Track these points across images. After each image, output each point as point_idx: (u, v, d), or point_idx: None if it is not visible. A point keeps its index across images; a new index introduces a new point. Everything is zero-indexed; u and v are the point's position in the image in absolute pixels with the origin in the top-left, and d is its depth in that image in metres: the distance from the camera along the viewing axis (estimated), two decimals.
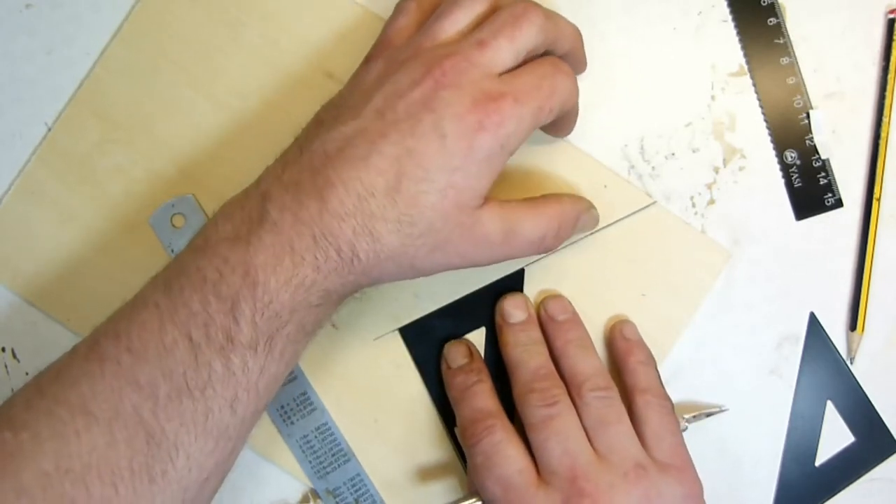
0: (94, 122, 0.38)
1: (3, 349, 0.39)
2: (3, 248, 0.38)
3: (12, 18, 0.39)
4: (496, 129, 0.31)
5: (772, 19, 0.39)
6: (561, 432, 0.34)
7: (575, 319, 0.37)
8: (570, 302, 0.38)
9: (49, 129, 0.38)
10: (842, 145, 0.39)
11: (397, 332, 0.38)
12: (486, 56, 0.31)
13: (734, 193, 0.39)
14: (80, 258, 0.38)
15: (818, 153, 0.39)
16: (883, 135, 0.38)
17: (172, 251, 0.38)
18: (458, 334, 0.38)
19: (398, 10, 0.35)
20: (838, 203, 0.39)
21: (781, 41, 0.39)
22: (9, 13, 0.39)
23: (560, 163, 0.38)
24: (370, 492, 0.38)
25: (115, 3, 0.39)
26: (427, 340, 0.38)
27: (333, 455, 0.38)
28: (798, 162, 0.39)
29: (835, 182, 0.39)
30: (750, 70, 0.39)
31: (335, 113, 0.32)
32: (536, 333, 0.37)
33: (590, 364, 0.36)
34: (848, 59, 0.39)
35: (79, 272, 0.38)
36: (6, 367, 0.39)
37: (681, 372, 0.39)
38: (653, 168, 0.39)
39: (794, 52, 0.39)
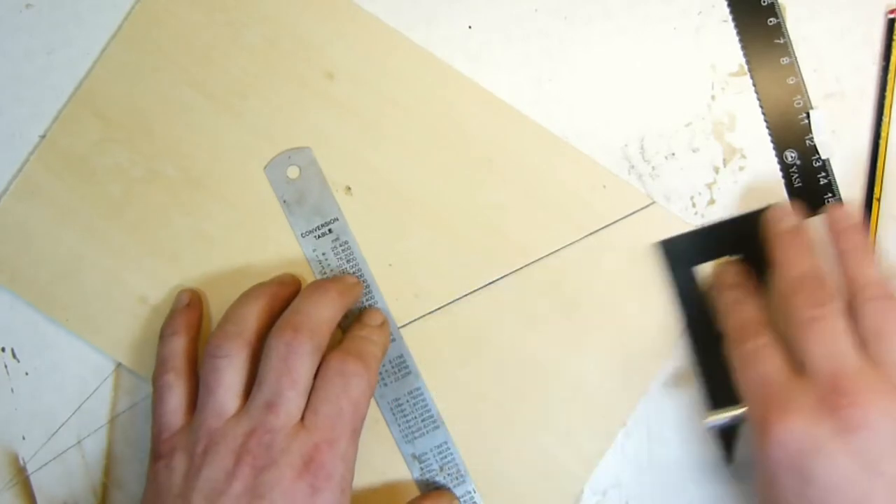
0: (94, 121, 0.38)
1: (3, 349, 0.39)
2: (2, 248, 0.38)
3: (12, 18, 0.39)
4: (329, 481, 0.31)
5: (772, 19, 0.39)
6: (826, 334, 0.32)
7: (856, 227, 0.35)
8: (853, 210, 0.36)
9: (42, 138, 0.38)
10: (842, 145, 0.39)
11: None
12: (280, 417, 0.32)
13: (734, 193, 0.39)
14: (79, 258, 0.38)
15: (818, 153, 0.39)
16: (883, 135, 0.38)
17: (285, 201, 0.38)
18: (716, 257, 0.38)
19: (160, 388, 0.35)
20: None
21: (781, 41, 0.39)
22: (9, 13, 0.39)
23: (559, 163, 0.38)
24: (455, 461, 0.38)
25: (115, 3, 0.39)
26: (686, 260, 0.38)
27: (423, 421, 0.38)
28: (798, 162, 0.39)
29: (835, 182, 0.39)
30: (750, 70, 0.39)
31: None
32: (808, 239, 0.35)
33: (868, 271, 0.34)
34: (848, 59, 0.39)
35: (78, 272, 0.38)
36: (6, 367, 0.39)
37: (681, 372, 0.39)
38: (653, 168, 0.39)
39: (794, 52, 0.39)
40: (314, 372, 0.33)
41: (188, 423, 0.34)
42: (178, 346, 0.35)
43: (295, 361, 0.32)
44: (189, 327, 0.36)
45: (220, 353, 0.33)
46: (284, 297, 0.36)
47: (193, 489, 0.31)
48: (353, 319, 0.37)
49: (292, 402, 0.32)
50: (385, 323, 0.37)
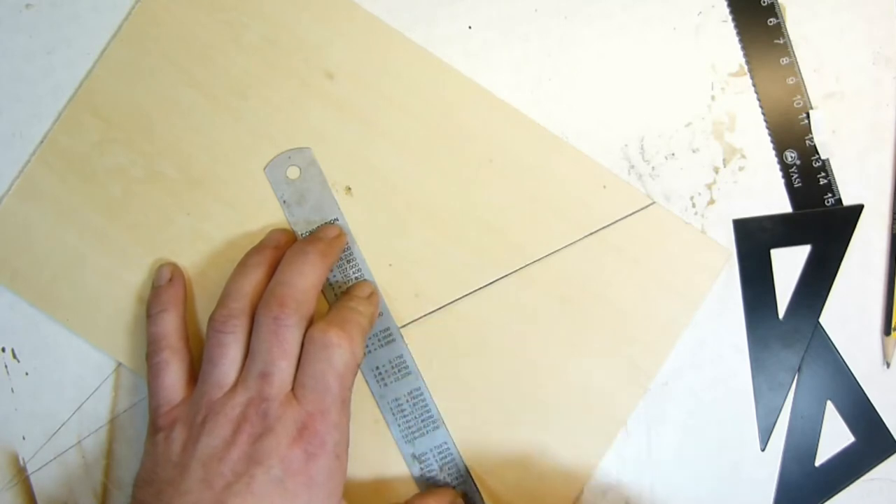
0: (94, 121, 0.38)
1: (3, 349, 0.39)
2: (3, 248, 0.38)
3: (12, 18, 0.39)
4: (322, 447, 0.32)
5: (772, 19, 0.39)
6: None
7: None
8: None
9: (42, 141, 0.38)
10: (842, 145, 0.39)
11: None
12: (274, 386, 0.33)
13: (734, 193, 0.39)
14: (80, 258, 0.38)
15: (818, 153, 0.39)
16: None
17: (285, 202, 0.38)
18: (785, 245, 0.39)
19: (156, 365, 0.35)
20: (838, 203, 0.39)
21: (781, 41, 0.39)
22: (9, 13, 0.39)
23: (559, 163, 0.38)
24: (455, 461, 0.38)
25: (115, 3, 0.39)
26: (755, 241, 0.39)
27: (423, 421, 0.38)
28: (798, 162, 0.39)
29: (835, 182, 0.39)
30: (750, 70, 0.39)
31: (153, 491, 0.32)
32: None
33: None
34: (848, 59, 0.39)
35: (79, 272, 0.38)
36: (6, 367, 0.39)
37: (681, 372, 0.39)
38: (653, 168, 0.39)
39: (794, 52, 0.39)
40: (301, 335, 0.34)
41: (188, 396, 0.35)
42: (171, 323, 0.36)
43: (284, 333, 0.33)
44: (176, 303, 0.37)
45: (226, 329, 0.34)
46: (280, 260, 0.36)
47: (192, 457, 0.32)
48: (342, 293, 0.38)
49: (285, 371, 0.33)
50: (373, 294, 0.37)
